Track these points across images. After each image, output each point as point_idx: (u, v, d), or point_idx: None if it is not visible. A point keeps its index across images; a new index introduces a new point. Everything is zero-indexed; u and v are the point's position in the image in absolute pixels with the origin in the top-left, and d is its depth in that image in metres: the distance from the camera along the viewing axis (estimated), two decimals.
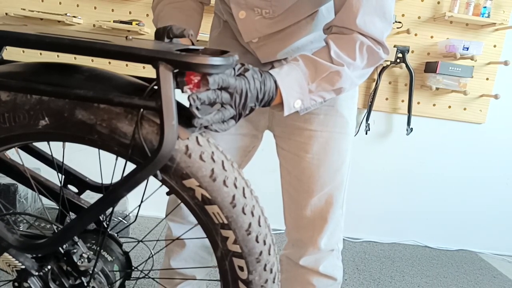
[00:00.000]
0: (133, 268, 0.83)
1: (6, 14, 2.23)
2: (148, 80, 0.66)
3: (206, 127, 0.64)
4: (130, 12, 2.29)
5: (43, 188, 0.82)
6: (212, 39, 1.13)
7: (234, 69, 0.67)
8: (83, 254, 0.73)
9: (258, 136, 1.13)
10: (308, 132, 1.02)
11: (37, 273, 0.73)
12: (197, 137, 0.64)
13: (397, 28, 2.30)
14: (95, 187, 0.84)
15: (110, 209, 0.66)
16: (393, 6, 0.84)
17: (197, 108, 0.60)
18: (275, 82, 0.74)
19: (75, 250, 0.73)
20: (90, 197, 0.77)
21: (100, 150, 0.64)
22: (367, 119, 2.40)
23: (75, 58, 2.06)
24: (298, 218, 1.07)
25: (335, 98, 0.95)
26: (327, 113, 1.01)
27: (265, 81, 0.72)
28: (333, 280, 1.11)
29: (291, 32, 0.96)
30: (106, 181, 0.81)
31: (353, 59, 0.81)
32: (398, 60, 2.31)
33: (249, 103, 0.68)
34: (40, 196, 0.82)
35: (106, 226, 0.80)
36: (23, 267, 0.72)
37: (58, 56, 2.05)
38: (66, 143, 0.66)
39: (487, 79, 2.40)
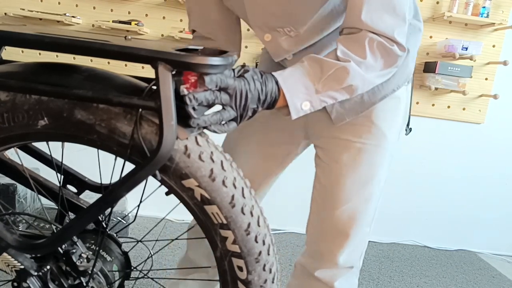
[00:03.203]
0: (132, 268, 0.83)
1: (5, 14, 2.23)
2: (147, 80, 0.67)
3: (205, 127, 0.64)
4: (129, 12, 2.29)
5: (42, 188, 0.82)
6: (262, 54, 1.17)
7: (234, 70, 0.67)
8: (82, 254, 0.73)
9: (293, 143, 1.10)
10: (341, 142, 0.99)
11: (36, 273, 0.73)
12: (196, 137, 0.64)
13: None
14: (94, 187, 0.84)
15: (109, 209, 0.66)
16: (405, 1, 0.80)
17: (193, 108, 0.59)
18: (277, 82, 0.73)
19: (74, 250, 0.73)
20: (89, 197, 0.77)
21: (99, 150, 0.64)
22: None
23: (74, 58, 2.05)
24: (320, 229, 1.04)
25: (371, 109, 0.94)
26: (363, 123, 0.97)
27: (266, 82, 0.71)
28: None
29: (323, 45, 0.94)
30: (105, 181, 0.81)
31: (363, 57, 0.77)
32: None
33: (250, 104, 0.68)
34: (39, 196, 0.82)
35: (105, 226, 0.80)
36: (22, 267, 0.72)
37: (57, 56, 2.05)
38: (65, 143, 0.66)
39: (486, 79, 2.41)
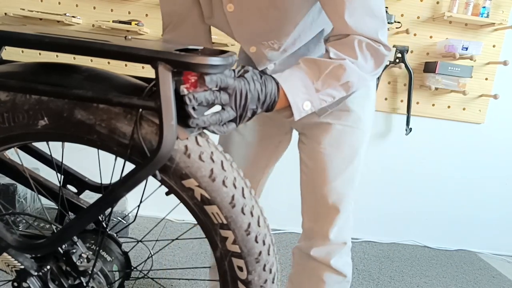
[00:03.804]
0: (132, 268, 0.83)
1: (6, 14, 2.23)
2: (147, 80, 0.67)
3: (204, 128, 0.64)
4: (129, 12, 2.29)
5: (42, 188, 0.82)
6: (240, 56, 1.18)
7: (234, 71, 0.67)
8: (82, 254, 0.73)
9: (282, 133, 1.18)
10: (322, 125, 1.07)
11: (36, 273, 0.73)
12: (196, 137, 0.64)
13: (396, 28, 2.30)
14: (94, 187, 0.84)
15: (109, 209, 0.66)
16: (382, 3, 0.84)
17: (193, 108, 0.59)
18: (277, 84, 0.73)
19: (74, 250, 0.73)
20: (89, 197, 0.77)
21: (100, 150, 0.64)
22: None
23: (74, 58, 2.05)
24: (312, 208, 1.11)
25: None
26: (340, 108, 1.06)
27: (265, 83, 0.71)
28: (343, 276, 1.12)
29: (302, 53, 1.00)
30: (105, 181, 0.81)
31: (354, 58, 0.80)
32: (397, 60, 2.31)
33: (249, 104, 0.68)
34: (39, 196, 0.82)
35: (105, 226, 0.80)
36: (22, 267, 0.72)
37: (57, 56, 2.05)
38: (66, 143, 0.66)
39: (486, 79, 2.41)
